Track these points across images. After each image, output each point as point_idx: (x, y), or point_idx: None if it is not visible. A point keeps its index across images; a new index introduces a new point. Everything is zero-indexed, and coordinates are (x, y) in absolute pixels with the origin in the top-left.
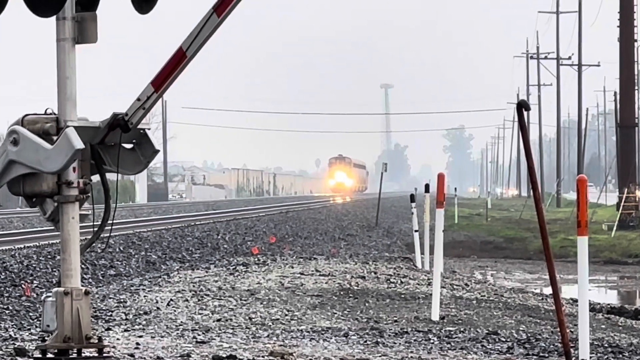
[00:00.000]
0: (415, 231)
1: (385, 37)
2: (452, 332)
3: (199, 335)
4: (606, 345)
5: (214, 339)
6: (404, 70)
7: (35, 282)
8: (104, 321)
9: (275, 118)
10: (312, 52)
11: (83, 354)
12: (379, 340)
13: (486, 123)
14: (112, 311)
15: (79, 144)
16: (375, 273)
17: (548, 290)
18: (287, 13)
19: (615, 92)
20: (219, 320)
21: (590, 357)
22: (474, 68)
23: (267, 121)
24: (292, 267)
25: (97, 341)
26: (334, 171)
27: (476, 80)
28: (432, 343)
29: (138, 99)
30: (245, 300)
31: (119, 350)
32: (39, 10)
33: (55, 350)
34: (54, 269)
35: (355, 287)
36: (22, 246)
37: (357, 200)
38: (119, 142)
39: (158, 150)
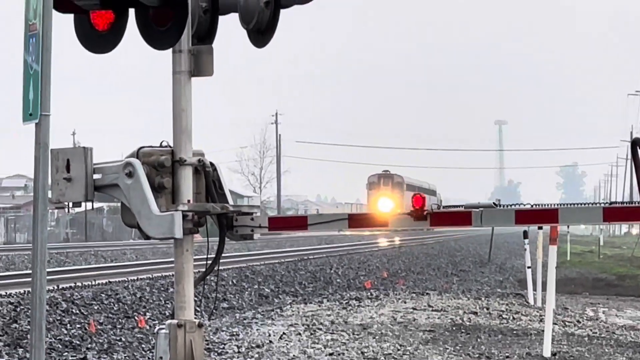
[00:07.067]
0: (528, 267)
1: (500, 75)
2: None
3: None
4: None
5: None
6: (518, 107)
7: (148, 313)
8: (216, 354)
9: (389, 153)
10: (429, 89)
11: None
12: None
13: (599, 160)
14: (225, 344)
15: (179, 233)
16: (487, 309)
17: None
18: (407, 54)
19: None
20: (331, 354)
21: None
22: (588, 105)
23: (381, 156)
24: (405, 302)
25: None
26: (375, 197)
27: (589, 117)
28: None
29: (252, 219)
30: (357, 334)
31: None
32: (155, 42)
33: None
34: (167, 301)
35: (468, 323)
36: (135, 278)
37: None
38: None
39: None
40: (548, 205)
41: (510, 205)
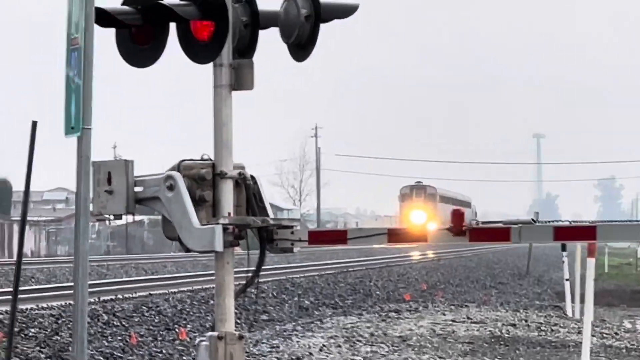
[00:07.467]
0: (566, 280)
1: (538, 87)
2: None
3: None
4: None
5: None
6: (555, 121)
7: (188, 326)
8: None
9: (427, 166)
10: (465, 102)
11: None
12: None
13: (637, 173)
14: (265, 356)
15: (219, 246)
16: (526, 321)
17: None
18: (443, 64)
19: None
20: None
21: None
22: (625, 118)
23: (421, 168)
24: (444, 314)
25: None
26: (408, 210)
27: (627, 130)
28: None
29: (292, 232)
30: (396, 346)
31: None
32: (197, 56)
33: None
34: (207, 314)
35: (507, 335)
36: (175, 290)
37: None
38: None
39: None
40: (586, 221)
41: (549, 222)
